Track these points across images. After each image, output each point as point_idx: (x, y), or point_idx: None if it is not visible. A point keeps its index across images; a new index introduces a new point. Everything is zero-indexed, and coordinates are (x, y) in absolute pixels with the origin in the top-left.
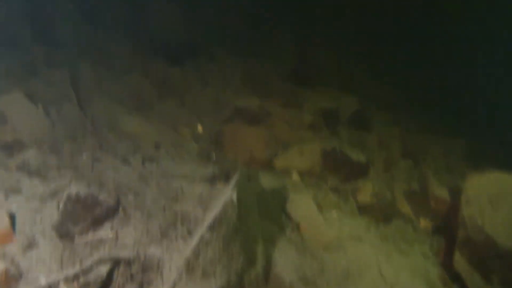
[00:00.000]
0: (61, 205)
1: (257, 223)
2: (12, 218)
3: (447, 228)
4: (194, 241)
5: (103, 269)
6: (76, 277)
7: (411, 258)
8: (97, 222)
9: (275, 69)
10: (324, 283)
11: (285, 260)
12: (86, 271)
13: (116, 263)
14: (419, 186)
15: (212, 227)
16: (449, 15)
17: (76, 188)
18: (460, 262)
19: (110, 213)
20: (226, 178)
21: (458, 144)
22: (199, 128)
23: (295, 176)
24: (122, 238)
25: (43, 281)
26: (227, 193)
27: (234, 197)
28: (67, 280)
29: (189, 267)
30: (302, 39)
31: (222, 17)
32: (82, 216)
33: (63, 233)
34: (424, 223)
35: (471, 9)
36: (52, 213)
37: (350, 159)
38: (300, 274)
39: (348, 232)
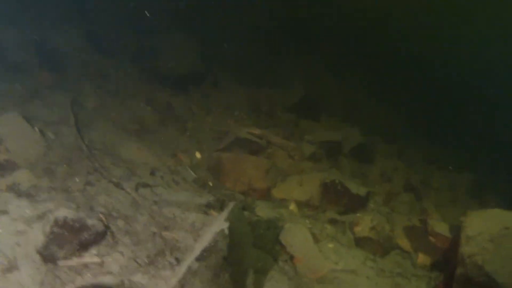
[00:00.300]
0: (47, 228)
1: (250, 253)
2: None
3: (446, 265)
4: (181, 271)
5: None
6: None
7: None
8: (83, 247)
9: (280, 99)
10: None
11: None
12: None
13: None
14: (420, 220)
15: (200, 258)
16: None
17: (64, 212)
18: None
19: (98, 238)
20: (221, 207)
21: (463, 178)
22: (198, 155)
23: (292, 207)
24: (107, 264)
25: None
26: (219, 223)
27: (226, 227)
28: None
29: None
30: (308, 70)
31: (229, 45)
32: (69, 240)
33: (47, 256)
34: (422, 258)
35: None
36: (37, 236)
37: (350, 191)
38: None
39: (344, 265)
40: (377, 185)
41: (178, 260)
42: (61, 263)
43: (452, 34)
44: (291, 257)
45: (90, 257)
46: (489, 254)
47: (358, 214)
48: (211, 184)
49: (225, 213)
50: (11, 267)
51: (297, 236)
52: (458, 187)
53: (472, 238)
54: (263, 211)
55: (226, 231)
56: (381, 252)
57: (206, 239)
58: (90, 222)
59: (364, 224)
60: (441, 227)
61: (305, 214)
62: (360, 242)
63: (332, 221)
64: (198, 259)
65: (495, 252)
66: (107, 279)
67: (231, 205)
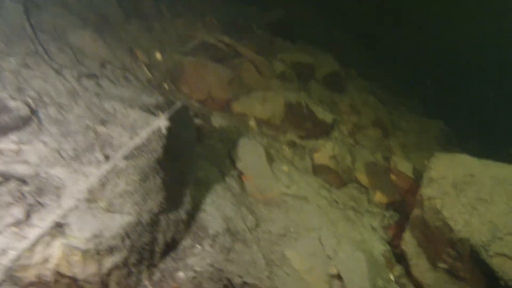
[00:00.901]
0: None
1: (192, 162)
2: None
3: (403, 206)
4: (105, 168)
5: None
6: None
7: (357, 230)
8: (1, 131)
9: (258, 15)
10: (255, 240)
11: (215, 209)
12: None
13: (6, 179)
14: (383, 158)
15: (129, 156)
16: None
17: None
18: (408, 242)
19: (20, 123)
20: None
21: (432, 125)
22: (158, 55)
23: (252, 123)
24: (25, 152)
25: None
26: (158, 122)
27: (164, 126)
28: None
29: (92, 197)
30: None
31: None
32: None
33: None
34: (380, 196)
35: None
36: None
37: (315, 116)
38: (230, 226)
39: (296, 190)
40: (345, 115)
41: (107, 158)
42: None
43: None
44: (240, 174)
45: (6, 143)
46: (449, 199)
47: (320, 141)
48: (166, 87)
49: (167, 113)
50: None
51: (250, 153)
52: (426, 132)
53: (435, 181)
54: (218, 122)
55: (164, 131)
56: (338, 183)
57: (138, 138)
58: (12, 104)
59: (324, 151)
60: (404, 166)
61: (264, 133)
62: (317, 170)
63: (292, 144)
64: (126, 157)
65: (455, 198)
66: (20, 169)
67: (178, 105)
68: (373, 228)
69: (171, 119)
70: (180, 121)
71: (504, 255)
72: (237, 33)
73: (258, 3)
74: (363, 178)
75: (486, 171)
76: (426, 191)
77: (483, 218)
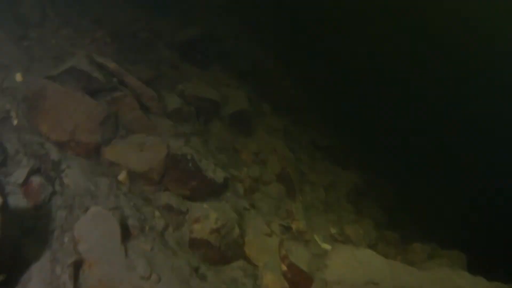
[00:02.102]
0: None
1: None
2: None
3: None
4: None
5: None
6: None
7: None
8: None
9: (169, 30)
10: None
11: None
12: None
13: None
14: (280, 227)
15: None
16: None
17: None
18: None
19: None
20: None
21: (347, 176)
22: (19, 77)
23: (122, 178)
24: None
25: None
26: None
27: None
28: None
29: None
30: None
31: None
32: None
33: None
34: (270, 281)
35: None
36: None
37: (202, 173)
38: None
39: (154, 283)
40: (246, 168)
41: None
42: None
43: None
44: (80, 261)
45: None
46: None
47: (205, 205)
48: (14, 122)
49: None
50: None
51: (99, 228)
52: (337, 186)
53: (329, 286)
54: (74, 177)
55: None
56: (219, 262)
57: None
58: None
59: (206, 223)
60: (298, 254)
61: (134, 191)
62: (195, 245)
63: (168, 208)
64: None
65: None
66: None
67: None
68: None
69: None
70: None
71: None
72: (135, 53)
73: (172, 17)
74: (252, 255)
75: (392, 279)
76: None
77: None
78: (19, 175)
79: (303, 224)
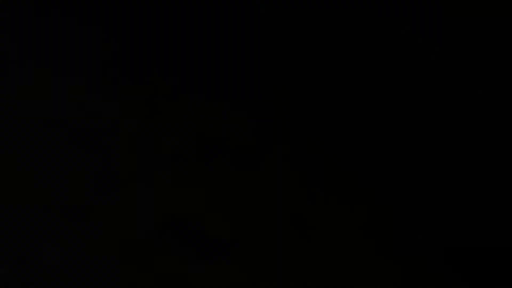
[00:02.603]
0: None
1: None
2: None
3: None
4: None
5: None
6: None
7: None
8: None
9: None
10: None
11: None
12: None
13: None
14: None
15: None
16: None
17: None
18: None
19: None
20: None
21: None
22: None
23: None
24: None
25: None
26: None
27: None
28: None
29: None
30: None
31: None
32: None
33: None
34: None
35: None
36: None
37: (205, 233)
38: None
39: None
40: (253, 218)
41: None
42: None
43: None
44: None
45: None
46: None
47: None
48: None
49: None
50: None
51: None
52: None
53: None
54: None
55: None
56: None
57: None
58: None
59: None
60: None
61: None
62: None
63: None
64: None
65: None
66: None
67: None
68: None
69: None
70: None
71: None
72: (125, 77)
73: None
74: None
75: None
76: None
77: None
78: None
79: None
